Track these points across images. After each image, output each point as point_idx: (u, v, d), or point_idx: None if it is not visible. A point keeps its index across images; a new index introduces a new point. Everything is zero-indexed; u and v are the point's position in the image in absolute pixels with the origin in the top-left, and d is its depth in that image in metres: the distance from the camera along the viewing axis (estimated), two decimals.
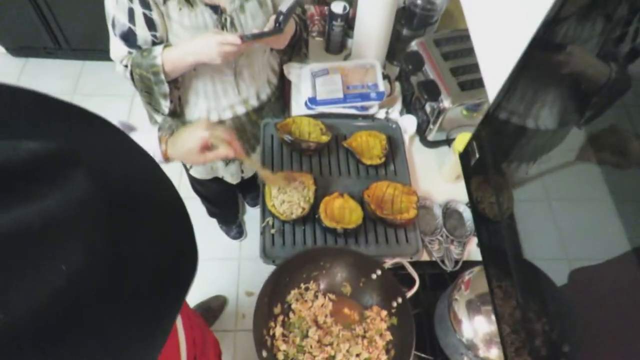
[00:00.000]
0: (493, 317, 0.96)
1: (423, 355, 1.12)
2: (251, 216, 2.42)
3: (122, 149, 0.49)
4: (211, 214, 2.23)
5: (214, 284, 2.16)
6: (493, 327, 0.97)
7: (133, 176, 0.47)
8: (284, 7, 1.14)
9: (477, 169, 0.78)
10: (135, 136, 1.00)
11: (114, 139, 0.49)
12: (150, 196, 0.47)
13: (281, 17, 1.14)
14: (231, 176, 1.66)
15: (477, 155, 0.72)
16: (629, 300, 0.53)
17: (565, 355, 0.67)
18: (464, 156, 0.78)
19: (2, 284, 0.29)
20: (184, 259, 0.47)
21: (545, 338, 0.70)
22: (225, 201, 2.14)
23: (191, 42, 1.13)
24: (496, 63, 0.69)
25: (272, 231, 1.20)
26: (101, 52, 2.72)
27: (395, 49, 1.58)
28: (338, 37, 1.57)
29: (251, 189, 2.34)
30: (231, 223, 2.31)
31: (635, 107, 0.52)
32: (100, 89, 2.77)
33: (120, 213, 0.39)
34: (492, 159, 0.74)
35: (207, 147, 0.99)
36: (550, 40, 0.62)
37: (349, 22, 1.53)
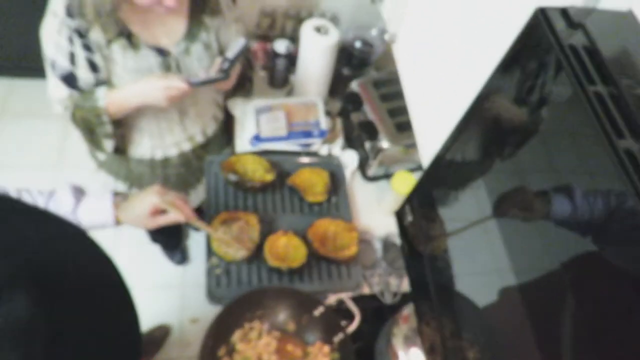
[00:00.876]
0: None
1: None
2: (195, 241, 2.39)
3: (61, 241, 0.47)
4: (154, 239, 2.19)
5: (156, 313, 2.11)
6: None
7: (76, 271, 0.45)
8: (230, 54, 1.16)
9: (412, 224, 0.85)
10: (86, 201, 0.99)
11: (50, 231, 0.47)
12: (89, 288, 0.46)
13: (227, 64, 1.16)
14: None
15: (410, 218, 0.78)
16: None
17: None
18: (400, 215, 0.85)
19: None
20: (128, 351, 0.48)
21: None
22: (169, 229, 2.10)
23: (136, 84, 1.12)
24: (430, 134, 0.76)
25: (218, 271, 1.22)
26: (31, 70, 2.60)
27: (337, 86, 1.64)
28: (281, 73, 1.61)
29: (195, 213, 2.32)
30: (174, 248, 2.27)
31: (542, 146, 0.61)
32: (31, 109, 2.61)
33: (61, 323, 0.39)
34: (423, 215, 0.81)
35: (157, 212, 1.01)
36: (481, 108, 0.70)
37: (291, 59, 1.58)
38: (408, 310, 1.13)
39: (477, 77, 0.67)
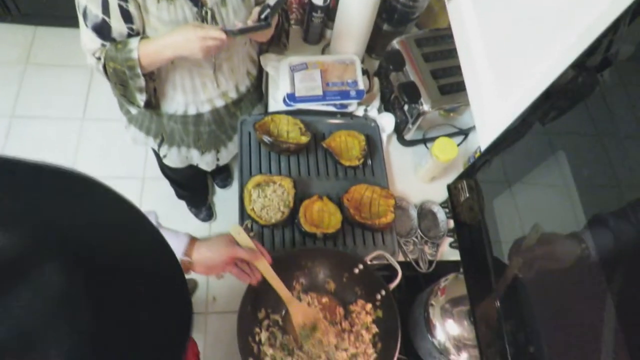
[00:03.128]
0: (465, 323, 1.03)
1: (398, 355, 1.18)
2: (221, 198, 2.39)
3: (101, 208, 0.44)
4: (180, 196, 2.19)
5: None
6: (465, 333, 1.02)
7: (113, 239, 0.43)
8: (271, 1, 1.09)
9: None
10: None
11: (91, 198, 0.44)
12: (132, 258, 0.43)
13: (268, 11, 1.09)
14: (206, 164, 1.62)
15: (467, 194, 0.73)
16: (586, 307, 0.59)
17: (531, 355, 0.73)
18: (453, 189, 0.80)
19: None
20: (176, 317, 0.45)
21: (513, 338, 0.75)
22: (195, 184, 2.10)
23: (171, 35, 1.06)
24: (493, 105, 0.70)
25: (252, 234, 1.20)
26: (56, 18, 2.54)
27: (375, 43, 1.55)
28: (317, 28, 1.53)
29: (221, 171, 2.31)
30: (200, 205, 2.28)
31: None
32: (55, 58, 2.57)
33: (100, 292, 0.37)
34: (480, 191, 0.76)
35: (231, 262, 0.93)
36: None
37: (329, 13, 1.49)
38: (445, 282, 1.11)
39: (564, 37, 0.59)
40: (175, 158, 1.56)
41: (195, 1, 1.08)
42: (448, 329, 1.04)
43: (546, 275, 0.70)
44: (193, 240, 0.91)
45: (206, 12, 1.11)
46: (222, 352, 2.00)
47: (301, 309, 1.06)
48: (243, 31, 1.07)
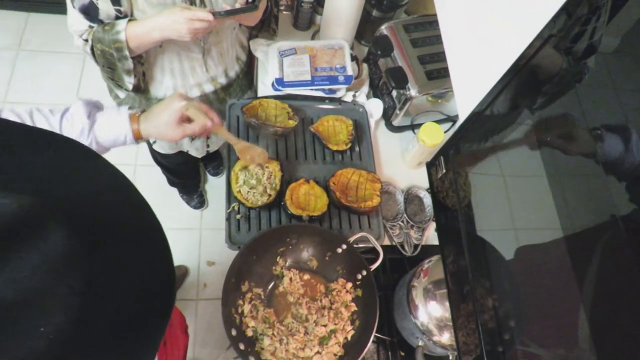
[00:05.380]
0: (447, 304, 1.04)
1: (381, 335, 1.19)
2: (212, 185, 2.40)
3: (97, 176, 0.47)
4: (172, 183, 2.20)
5: (175, 254, 2.11)
6: (447, 314, 1.04)
7: (108, 206, 0.45)
8: None
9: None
10: (102, 116, 0.94)
11: (87, 166, 0.47)
12: (125, 225, 0.46)
13: None
14: (196, 150, 1.63)
15: (443, 170, 0.75)
16: (563, 279, 0.60)
17: (510, 329, 0.74)
18: (431, 166, 0.81)
19: None
20: (162, 287, 0.47)
21: (494, 313, 0.77)
22: (187, 172, 2.11)
23: (158, 16, 1.06)
24: (470, 82, 0.71)
25: (238, 217, 1.21)
26: (48, 4, 2.53)
27: (364, 29, 1.56)
28: (307, 14, 1.53)
29: (213, 158, 2.31)
30: (192, 192, 2.28)
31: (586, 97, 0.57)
32: (47, 44, 2.57)
33: (97, 256, 0.39)
34: (456, 167, 0.77)
35: (183, 120, 0.96)
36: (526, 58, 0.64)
37: None
38: (428, 264, 1.12)
39: (531, 20, 0.61)
40: (164, 143, 1.56)
41: None
42: (430, 310, 1.06)
43: (522, 252, 0.71)
44: (135, 118, 0.95)
45: None
46: (213, 337, 2.02)
47: (248, 147, 1.16)
48: (230, 13, 1.08)
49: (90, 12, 1.06)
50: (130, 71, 1.17)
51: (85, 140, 0.90)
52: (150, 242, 0.47)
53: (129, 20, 1.08)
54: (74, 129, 0.89)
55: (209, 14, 1.04)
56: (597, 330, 0.53)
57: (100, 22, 1.09)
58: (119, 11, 1.07)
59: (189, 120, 0.97)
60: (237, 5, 1.11)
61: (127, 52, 1.10)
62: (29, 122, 0.85)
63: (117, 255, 0.42)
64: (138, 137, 0.96)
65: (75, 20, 1.09)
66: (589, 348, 0.53)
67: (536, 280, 0.70)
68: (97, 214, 0.43)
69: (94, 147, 0.92)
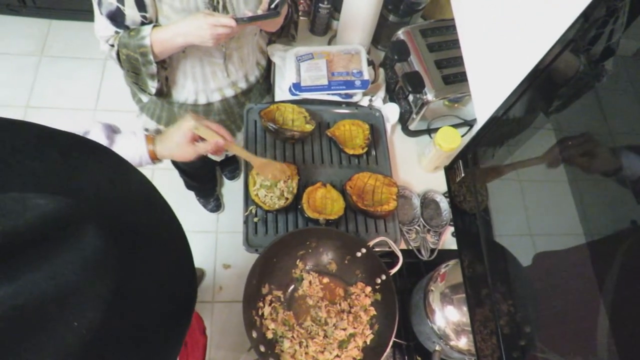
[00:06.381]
0: (464, 309, 1.04)
1: (397, 340, 1.19)
2: (229, 189, 2.42)
3: (126, 181, 0.48)
4: (189, 186, 2.22)
5: None
6: (464, 319, 1.04)
7: (136, 209, 0.47)
8: None
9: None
10: (120, 138, 0.97)
11: (117, 171, 0.48)
12: (152, 227, 0.47)
13: (277, 0, 1.11)
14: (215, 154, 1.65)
15: (462, 174, 0.75)
16: (582, 286, 0.60)
17: (527, 335, 0.74)
18: (450, 170, 0.81)
19: (15, 353, 0.30)
20: (186, 288, 0.48)
21: (512, 319, 0.77)
22: (204, 175, 2.14)
23: (182, 22, 1.09)
24: (488, 93, 0.71)
25: (255, 220, 1.22)
26: (70, 12, 2.59)
27: (381, 34, 1.56)
28: (324, 19, 1.54)
29: (230, 162, 2.34)
30: (209, 196, 2.31)
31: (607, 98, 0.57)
32: (69, 50, 2.63)
33: (128, 257, 0.40)
34: (476, 172, 0.77)
35: (195, 139, 0.99)
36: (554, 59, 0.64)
37: (335, 4, 1.50)
38: (445, 268, 1.12)
39: (550, 24, 0.61)
40: None
41: None
42: (447, 314, 1.05)
43: (541, 258, 0.71)
44: (150, 140, 0.99)
45: (217, 1, 1.13)
46: (228, 339, 2.03)
47: (265, 162, 1.15)
48: (253, 19, 1.09)
49: (116, 18, 1.09)
50: (154, 75, 1.19)
51: None
52: (175, 245, 0.48)
53: (154, 26, 1.10)
54: None
55: (231, 20, 1.06)
56: (617, 338, 0.52)
57: (126, 27, 1.12)
58: (144, 17, 1.10)
59: (201, 139, 1.00)
60: (260, 12, 1.13)
61: (151, 57, 1.13)
62: None
63: (146, 257, 0.43)
64: (154, 158, 1.00)
65: (101, 26, 1.13)
66: (608, 357, 0.53)
67: (555, 287, 0.70)
68: (128, 216, 0.44)
69: None
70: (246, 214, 1.22)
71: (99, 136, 0.95)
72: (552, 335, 0.69)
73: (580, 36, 0.60)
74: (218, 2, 1.13)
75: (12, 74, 2.53)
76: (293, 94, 1.40)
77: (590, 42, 0.61)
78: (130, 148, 0.97)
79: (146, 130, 1.00)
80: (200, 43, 1.09)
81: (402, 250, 1.28)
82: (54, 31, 2.68)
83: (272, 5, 1.12)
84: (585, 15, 0.59)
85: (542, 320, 0.71)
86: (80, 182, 0.42)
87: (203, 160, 1.71)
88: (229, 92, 1.39)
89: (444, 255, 1.28)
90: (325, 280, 1.18)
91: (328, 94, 1.41)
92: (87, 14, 2.52)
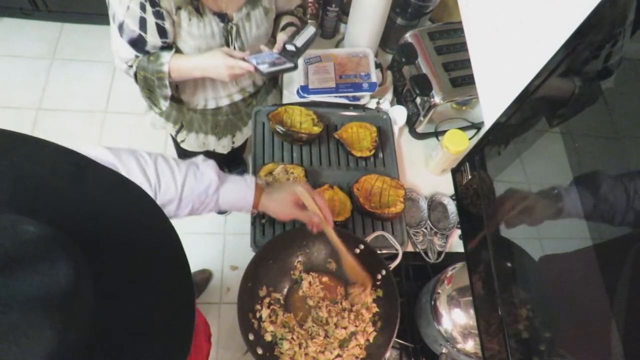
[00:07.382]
0: (471, 312, 1.03)
1: (404, 342, 1.19)
2: None
3: (118, 196, 0.46)
4: None
5: (199, 258, 2.19)
6: (471, 321, 1.03)
7: (128, 228, 0.45)
8: (299, 42, 1.12)
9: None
10: (231, 180, 0.97)
11: (109, 185, 0.46)
12: (146, 246, 0.45)
13: (293, 49, 1.12)
14: (222, 148, 1.67)
15: (469, 176, 0.75)
16: (591, 289, 0.59)
17: (536, 339, 0.73)
18: (456, 172, 0.81)
19: None
20: (181, 311, 0.45)
21: (517, 322, 0.76)
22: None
23: (201, 57, 1.13)
24: (495, 96, 0.71)
25: (263, 221, 1.23)
26: (82, 15, 2.63)
27: (389, 37, 1.57)
28: (332, 23, 1.55)
29: (238, 164, 2.35)
30: None
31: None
32: (80, 53, 2.67)
33: (108, 287, 0.38)
34: (483, 174, 0.77)
35: (299, 204, 1.00)
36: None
37: (343, 7, 1.51)
38: (452, 271, 1.12)
39: (558, 27, 0.61)
40: (193, 142, 1.61)
41: (222, 17, 1.14)
42: (454, 317, 1.05)
43: (549, 260, 0.71)
44: (259, 189, 0.99)
45: (231, 27, 1.16)
46: (235, 340, 2.04)
47: (354, 265, 1.08)
48: (271, 73, 1.12)
49: (138, 44, 1.12)
50: (167, 97, 1.23)
51: (206, 197, 0.92)
52: (172, 272, 0.46)
53: (173, 54, 1.13)
54: (200, 184, 0.91)
55: (249, 66, 1.09)
56: (629, 343, 0.52)
57: (147, 52, 1.14)
58: (165, 42, 1.13)
59: (303, 206, 1.00)
60: (275, 51, 1.14)
61: (167, 82, 1.17)
62: (151, 167, 0.85)
63: (131, 280, 0.42)
64: (255, 206, 1.00)
65: (121, 47, 1.14)
66: None
67: (562, 290, 0.70)
68: (108, 239, 0.42)
69: (211, 205, 0.95)
70: (254, 215, 1.23)
71: (210, 171, 0.93)
72: (561, 339, 0.69)
73: (589, 39, 0.60)
74: (232, 28, 1.17)
75: (24, 77, 2.57)
76: (301, 97, 1.41)
77: (598, 46, 0.61)
78: (239, 192, 0.97)
79: (256, 177, 1.00)
80: (217, 78, 1.14)
81: (408, 253, 1.29)
82: (65, 34, 2.72)
83: (288, 48, 1.13)
84: (590, 20, 0.58)
85: (550, 324, 0.71)
86: (64, 202, 0.41)
87: (211, 157, 1.73)
88: (237, 97, 1.43)
89: (451, 258, 1.28)
90: (325, 279, 1.18)
91: (336, 96, 1.42)
92: (97, 18, 2.57)
